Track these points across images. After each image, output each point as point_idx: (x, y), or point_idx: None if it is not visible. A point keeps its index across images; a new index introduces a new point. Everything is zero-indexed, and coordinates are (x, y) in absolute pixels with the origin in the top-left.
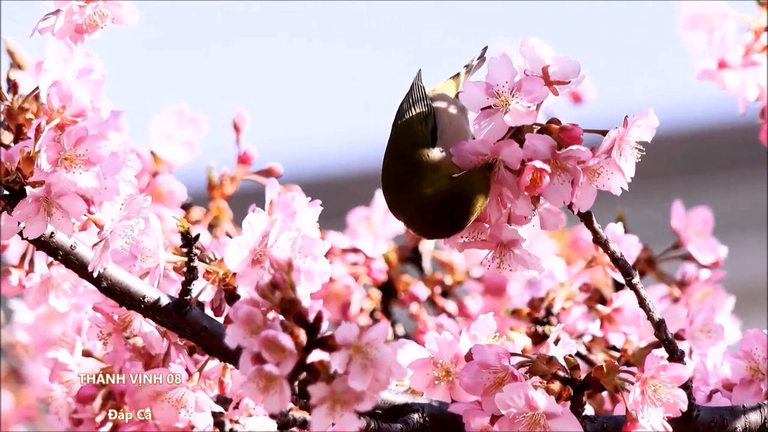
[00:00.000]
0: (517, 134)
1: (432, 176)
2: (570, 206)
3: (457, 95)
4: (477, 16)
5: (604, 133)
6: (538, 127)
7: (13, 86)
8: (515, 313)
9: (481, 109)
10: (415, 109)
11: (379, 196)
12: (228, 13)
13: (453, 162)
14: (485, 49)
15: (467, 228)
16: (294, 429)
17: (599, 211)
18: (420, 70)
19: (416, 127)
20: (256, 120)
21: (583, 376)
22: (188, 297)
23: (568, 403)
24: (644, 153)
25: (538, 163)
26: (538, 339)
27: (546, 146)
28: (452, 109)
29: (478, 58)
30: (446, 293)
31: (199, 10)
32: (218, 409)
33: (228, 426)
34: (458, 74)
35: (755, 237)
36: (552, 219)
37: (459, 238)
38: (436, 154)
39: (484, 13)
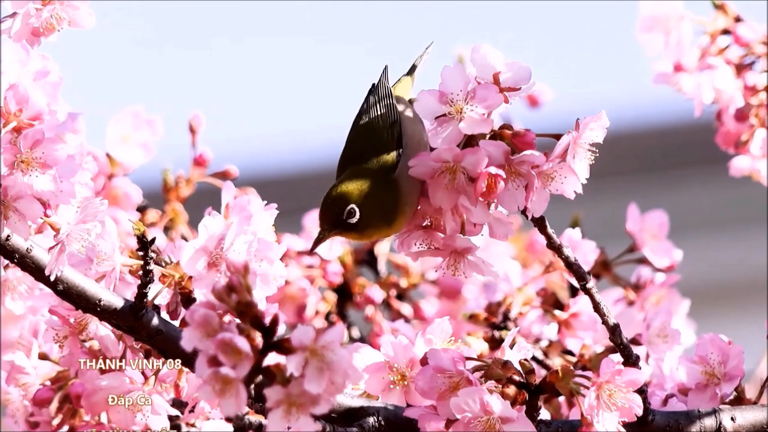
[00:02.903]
0: (470, 141)
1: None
2: (524, 211)
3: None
4: (443, 12)
5: (557, 137)
6: (492, 133)
7: None
8: (472, 317)
9: (435, 118)
10: (380, 112)
11: None
12: (187, 13)
13: (408, 174)
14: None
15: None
16: None
17: (558, 211)
18: (386, 68)
19: (382, 133)
20: (211, 119)
21: (539, 380)
22: (144, 300)
23: (524, 407)
24: (597, 155)
25: (493, 169)
26: (496, 344)
27: (500, 152)
28: (413, 118)
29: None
30: (401, 296)
31: (157, 11)
32: (174, 412)
33: (184, 429)
34: (414, 67)
35: (713, 237)
36: (501, 229)
37: (413, 246)
38: (401, 166)
39: (454, 11)
